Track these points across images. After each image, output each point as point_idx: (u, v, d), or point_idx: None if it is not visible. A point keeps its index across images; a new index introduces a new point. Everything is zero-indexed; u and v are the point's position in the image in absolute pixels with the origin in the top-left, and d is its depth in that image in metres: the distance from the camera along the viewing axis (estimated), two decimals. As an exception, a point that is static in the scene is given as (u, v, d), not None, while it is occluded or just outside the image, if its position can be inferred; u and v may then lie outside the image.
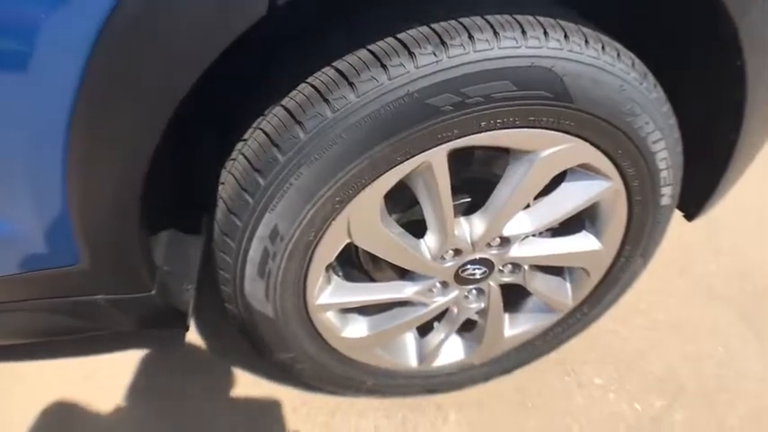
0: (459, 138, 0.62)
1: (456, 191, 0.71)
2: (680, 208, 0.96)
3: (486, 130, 0.63)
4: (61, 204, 0.60)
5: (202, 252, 0.84)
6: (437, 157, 0.64)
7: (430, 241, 0.74)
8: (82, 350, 1.08)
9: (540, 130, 0.65)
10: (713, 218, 1.00)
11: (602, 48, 0.64)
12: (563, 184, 0.76)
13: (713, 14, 0.64)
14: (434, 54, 0.56)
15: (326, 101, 0.57)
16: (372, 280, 0.82)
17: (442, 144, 0.62)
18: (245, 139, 0.63)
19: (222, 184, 0.66)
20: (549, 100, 0.62)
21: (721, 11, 0.63)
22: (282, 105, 0.59)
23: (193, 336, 1.13)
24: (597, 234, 0.83)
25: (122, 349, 1.09)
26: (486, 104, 0.60)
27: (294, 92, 0.59)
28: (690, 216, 0.98)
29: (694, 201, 0.93)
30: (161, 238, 0.83)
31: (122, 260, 0.68)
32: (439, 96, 0.58)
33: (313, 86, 0.58)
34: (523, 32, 0.59)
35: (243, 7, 0.47)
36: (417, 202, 0.71)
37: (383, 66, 0.56)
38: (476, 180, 0.76)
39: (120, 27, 0.47)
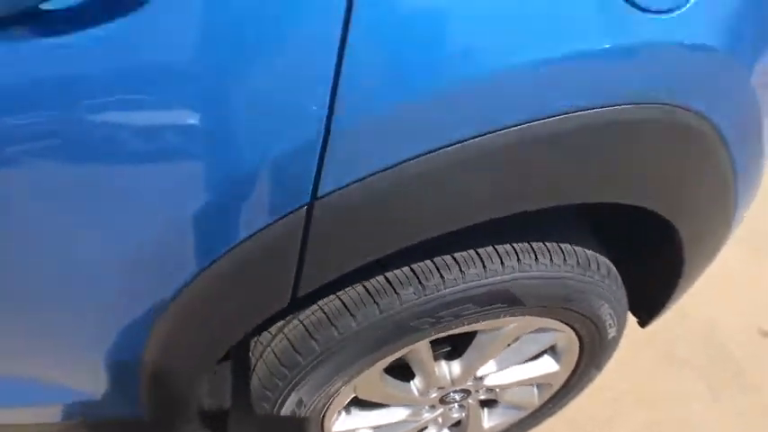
0: (437, 334, 0.81)
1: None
2: (633, 313, 1.14)
3: (457, 327, 0.82)
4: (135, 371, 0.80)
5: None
6: (420, 344, 0.83)
7: (418, 383, 0.94)
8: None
9: (500, 318, 0.84)
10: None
11: (550, 259, 0.81)
12: (523, 337, 0.95)
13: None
14: (414, 294, 0.74)
15: (334, 326, 0.76)
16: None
17: (422, 339, 0.81)
18: (273, 334, 0.83)
19: (256, 364, 0.86)
20: (504, 307, 0.80)
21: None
22: (301, 321, 0.78)
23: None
24: (556, 359, 1.03)
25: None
26: (455, 319, 0.78)
27: (309, 311, 0.78)
28: (643, 323, 1.15)
29: (646, 311, 1.11)
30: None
31: (180, 411, 0.89)
32: (419, 320, 0.76)
33: (323, 311, 0.77)
34: (484, 267, 0.76)
35: (266, 304, 0.66)
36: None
37: (375, 302, 0.75)
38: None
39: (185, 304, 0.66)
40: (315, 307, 0.78)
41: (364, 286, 0.76)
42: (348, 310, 0.76)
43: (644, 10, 0.59)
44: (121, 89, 0.51)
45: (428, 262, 0.76)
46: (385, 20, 0.52)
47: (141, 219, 0.58)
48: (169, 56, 0.50)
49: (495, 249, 0.78)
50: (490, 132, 0.59)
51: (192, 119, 0.52)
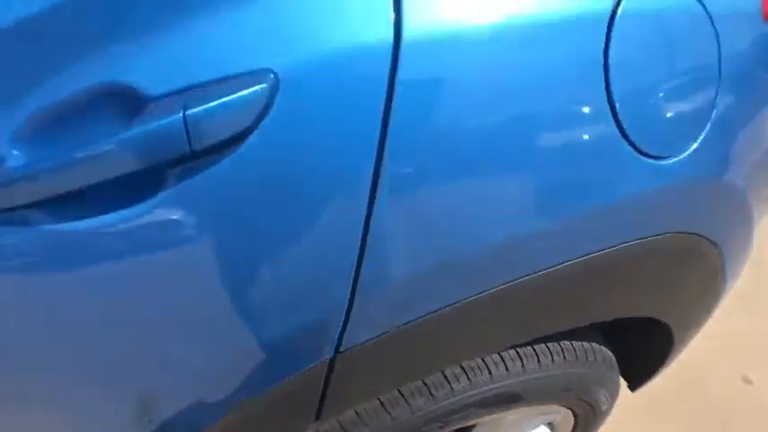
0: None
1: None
2: (623, 378, 1.20)
3: (462, 424, 0.86)
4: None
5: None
6: (429, 437, 0.88)
7: (427, 462, 0.99)
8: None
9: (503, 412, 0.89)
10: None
11: (552, 359, 0.85)
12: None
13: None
14: (425, 403, 0.78)
15: (351, 433, 0.80)
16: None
17: (431, 435, 0.86)
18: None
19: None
20: (507, 404, 0.85)
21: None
22: (316, 430, 0.82)
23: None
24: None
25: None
26: (462, 420, 0.82)
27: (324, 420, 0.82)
28: (633, 388, 1.21)
29: (636, 377, 1.17)
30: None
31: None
32: (429, 425, 0.80)
33: (338, 421, 0.80)
34: (491, 374, 0.80)
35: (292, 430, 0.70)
36: None
37: (388, 413, 0.78)
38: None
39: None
40: (335, 412, 0.82)
41: (378, 398, 0.80)
42: (362, 419, 0.79)
43: (653, 157, 0.64)
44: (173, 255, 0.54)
45: (438, 374, 0.80)
46: (411, 189, 0.55)
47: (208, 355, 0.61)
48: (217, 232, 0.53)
49: (501, 356, 0.82)
50: (523, 277, 0.63)
51: (229, 291, 0.55)
